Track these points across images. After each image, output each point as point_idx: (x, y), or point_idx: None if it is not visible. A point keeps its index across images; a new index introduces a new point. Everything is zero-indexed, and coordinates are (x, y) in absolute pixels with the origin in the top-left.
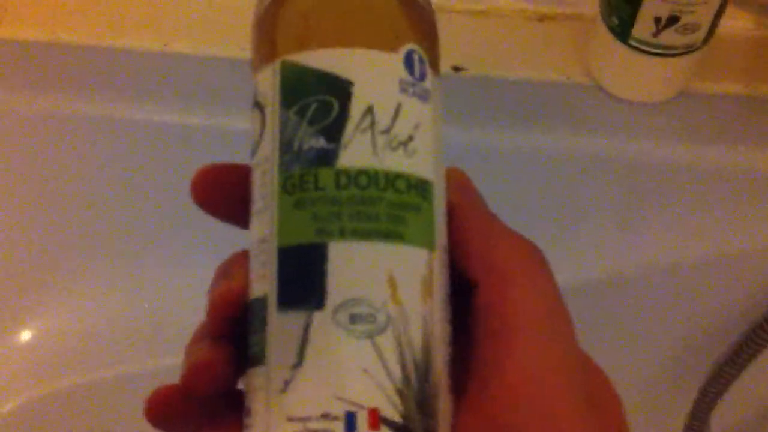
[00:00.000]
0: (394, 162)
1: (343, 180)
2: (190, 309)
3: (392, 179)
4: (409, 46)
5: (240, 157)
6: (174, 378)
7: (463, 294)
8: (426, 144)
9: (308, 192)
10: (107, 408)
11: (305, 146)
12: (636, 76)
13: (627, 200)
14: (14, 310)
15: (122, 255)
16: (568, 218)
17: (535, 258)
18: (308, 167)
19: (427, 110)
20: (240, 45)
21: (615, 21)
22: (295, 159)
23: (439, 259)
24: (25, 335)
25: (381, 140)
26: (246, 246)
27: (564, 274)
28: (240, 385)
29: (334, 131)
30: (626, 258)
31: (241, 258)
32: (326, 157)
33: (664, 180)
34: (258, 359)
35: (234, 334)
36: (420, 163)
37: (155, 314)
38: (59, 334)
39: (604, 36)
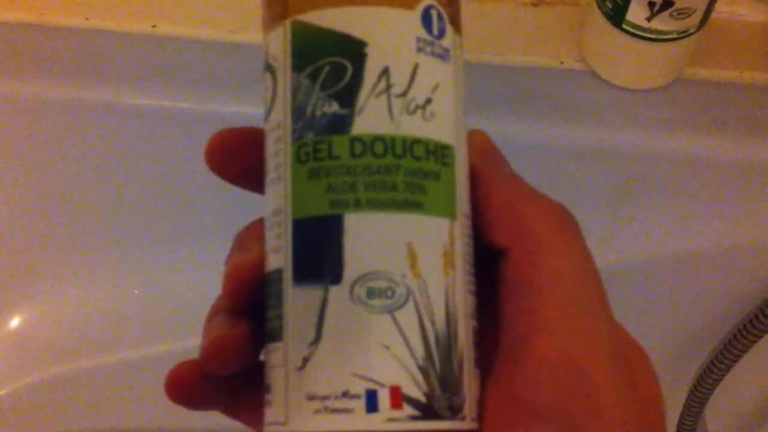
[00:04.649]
0: (412, 127)
1: (358, 148)
2: (181, 296)
3: (410, 145)
4: (427, 2)
5: None
6: (164, 366)
7: (489, 261)
8: (446, 106)
9: (322, 161)
10: (96, 395)
11: (318, 112)
12: (630, 61)
13: (619, 189)
14: (3, 298)
15: (112, 242)
16: None
17: (566, 222)
18: (322, 135)
19: (446, 70)
20: (230, 27)
21: (609, 6)
22: (308, 126)
23: (461, 228)
24: (14, 323)
25: (397, 104)
26: (260, 214)
27: None
28: (262, 357)
29: (347, 96)
30: (617, 249)
31: (257, 228)
32: (340, 124)
33: (657, 168)
34: (276, 335)
35: (251, 307)
36: (439, 126)
37: (145, 301)
38: (48, 322)
39: (598, 21)
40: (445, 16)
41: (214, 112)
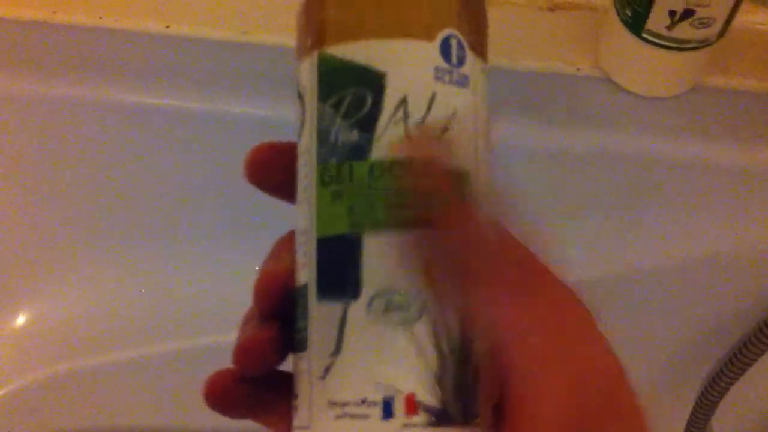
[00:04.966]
0: (429, 152)
1: (377, 172)
2: (185, 295)
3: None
4: (447, 31)
5: (237, 142)
6: (168, 365)
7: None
8: (463, 132)
9: (343, 184)
10: (100, 393)
11: (341, 139)
12: (648, 69)
13: (633, 195)
14: (8, 296)
15: (117, 241)
16: (573, 213)
17: (565, 337)
18: (343, 160)
19: (465, 96)
20: (242, 28)
21: (628, 13)
22: (332, 151)
23: None
24: (19, 321)
25: (415, 131)
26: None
27: (562, 271)
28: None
29: (367, 124)
30: (628, 254)
31: (291, 240)
32: (360, 150)
33: (673, 176)
34: (302, 345)
35: (281, 313)
36: (456, 152)
37: (150, 300)
38: (53, 320)
39: (616, 28)
40: (465, 44)
41: (225, 112)
